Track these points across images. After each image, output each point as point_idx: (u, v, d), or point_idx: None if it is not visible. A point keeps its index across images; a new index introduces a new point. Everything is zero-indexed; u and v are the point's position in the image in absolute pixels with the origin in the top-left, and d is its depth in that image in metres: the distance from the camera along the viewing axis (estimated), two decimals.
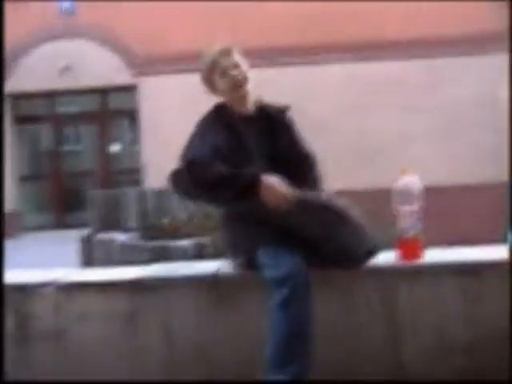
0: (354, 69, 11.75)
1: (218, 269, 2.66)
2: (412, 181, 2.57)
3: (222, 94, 2.63)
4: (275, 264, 2.34)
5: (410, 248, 2.59)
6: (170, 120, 11.33)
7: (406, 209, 2.56)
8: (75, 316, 2.66)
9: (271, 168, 2.49)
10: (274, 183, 2.37)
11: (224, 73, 2.57)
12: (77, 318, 2.66)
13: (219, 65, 2.57)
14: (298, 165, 2.62)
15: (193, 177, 2.43)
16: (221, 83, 2.59)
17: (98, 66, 12.32)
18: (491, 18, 10.69)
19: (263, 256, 2.43)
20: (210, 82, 2.64)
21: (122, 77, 12.39)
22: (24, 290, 2.71)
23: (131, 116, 12.86)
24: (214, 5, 11.64)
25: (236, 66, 2.57)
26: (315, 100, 11.60)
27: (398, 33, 11.53)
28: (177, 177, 2.50)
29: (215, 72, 2.59)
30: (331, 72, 11.79)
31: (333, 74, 11.78)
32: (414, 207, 2.56)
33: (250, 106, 2.63)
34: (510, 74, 10.09)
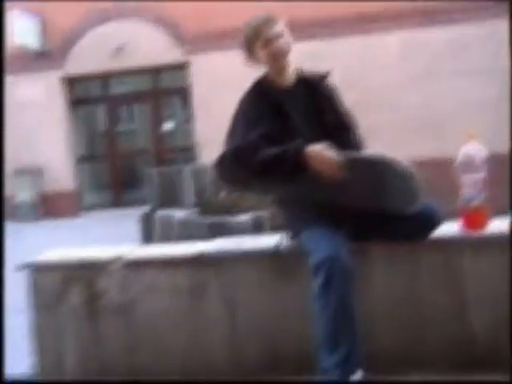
0: (413, 36, 11.44)
1: (279, 242, 2.68)
2: (476, 149, 2.51)
3: (262, 63, 2.58)
4: (313, 249, 2.32)
5: (474, 217, 2.53)
6: (222, 96, 11.30)
7: (470, 177, 2.50)
8: (141, 291, 2.73)
9: (316, 136, 2.46)
10: (321, 150, 2.36)
11: (267, 42, 2.52)
12: (143, 293, 2.73)
13: (262, 34, 2.52)
14: (342, 130, 2.59)
15: (239, 164, 2.41)
16: (262, 53, 2.54)
17: (149, 46, 12.41)
18: None
19: (305, 240, 2.43)
20: (250, 51, 2.59)
21: (173, 55, 12.46)
22: (92, 266, 2.80)
23: (183, 94, 12.94)
24: None
25: (280, 35, 2.53)
26: (374, 71, 11.38)
27: None
28: (222, 164, 2.48)
29: (258, 41, 2.54)
30: (389, 41, 11.53)
31: (390, 43, 11.50)
32: (478, 175, 2.50)
33: (291, 76, 2.60)
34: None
